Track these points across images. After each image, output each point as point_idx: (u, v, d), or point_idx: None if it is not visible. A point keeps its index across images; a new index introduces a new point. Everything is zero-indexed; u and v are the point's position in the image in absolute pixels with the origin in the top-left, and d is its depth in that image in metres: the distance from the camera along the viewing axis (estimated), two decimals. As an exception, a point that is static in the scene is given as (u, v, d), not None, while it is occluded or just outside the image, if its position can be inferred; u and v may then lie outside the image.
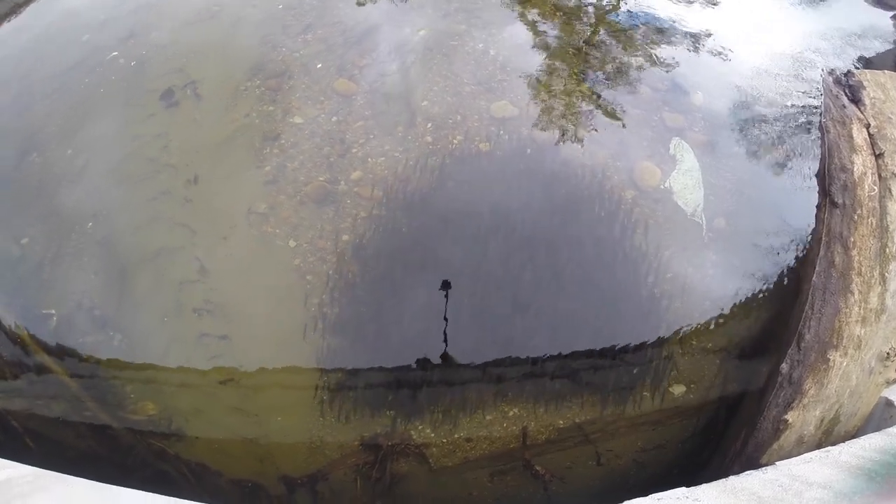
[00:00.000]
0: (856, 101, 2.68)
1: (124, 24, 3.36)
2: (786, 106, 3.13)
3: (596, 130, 2.91)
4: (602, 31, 3.40)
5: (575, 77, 3.12)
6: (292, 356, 2.47)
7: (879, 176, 2.46)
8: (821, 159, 2.74)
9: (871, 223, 2.37)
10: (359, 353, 2.48)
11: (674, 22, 3.46)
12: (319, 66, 3.12)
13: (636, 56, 3.23)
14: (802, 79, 3.26)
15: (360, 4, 3.47)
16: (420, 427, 2.41)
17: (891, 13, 3.83)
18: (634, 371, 2.47)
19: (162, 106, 2.98)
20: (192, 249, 2.62)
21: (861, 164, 2.48)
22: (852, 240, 2.35)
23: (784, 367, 2.24)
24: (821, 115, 2.87)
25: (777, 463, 2.03)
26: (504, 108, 2.94)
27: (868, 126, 2.57)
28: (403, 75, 3.08)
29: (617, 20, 3.45)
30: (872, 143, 2.55)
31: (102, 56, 3.19)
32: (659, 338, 2.49)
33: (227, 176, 2.78)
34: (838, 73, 2.83)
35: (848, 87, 2.73)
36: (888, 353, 2.30)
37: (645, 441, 2.49)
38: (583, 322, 2.52)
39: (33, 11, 3.61)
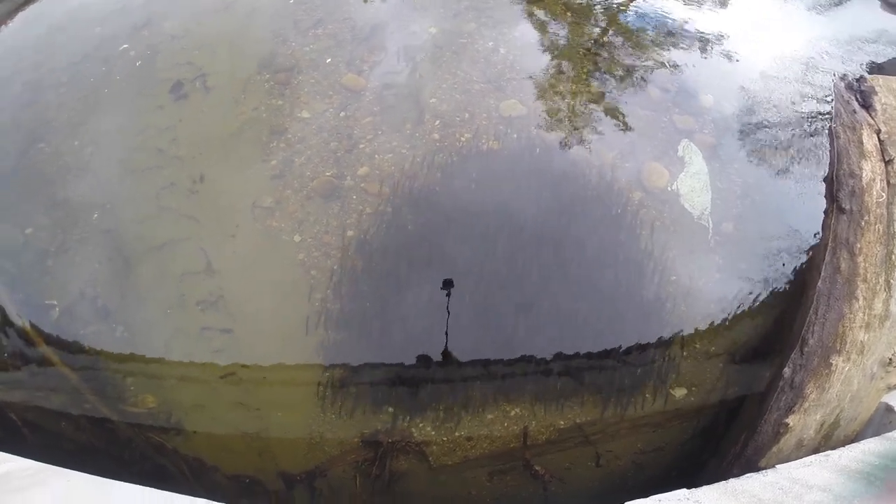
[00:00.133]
0: (867, 106, 2.71)
1: (137, 15, 3.43)
2: (795, 110, 3.17)
3: (604, 131, 2.96)
4: (612, 32, 3.45)
5: (584, 77, 3.17)
6: (295, 351, 2.52)
7: (888, 182, 2.50)
8: (829, 164, 2.77)
9: (878, 230, 2.40)
10: (362, 350, 2.52)
11: (684, 24, 3.51)
12: (329, 60, 3.18)
13: (646, 57, 3.28)
14: (812, 83, 3.31)
15: (370, 1, 3.54)
16: (421, 425, 2.45)
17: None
18: (637, 373, 2.51)
19: (171, 98, 3.04)
20: (197, 242, 2.67)
21: (870, 170, 2.52)
22: (859, 246, 2.39)
23: (786, 371, 2.28)
24: (831, 120, 2.89)
25: (777, 466, 2.07)
26: (513, 107, 2.99)
27: (878, 132, 2.60)
28: (412, 72, 3.14)
29: (627, 21, 3.50)
30: (882, 149, 2.58)
31: (113, 47, 3.25)
32: (662, 340, 2.53)
33: (234, 169, 2.83)
34: (850, 78, 2.85)
35: (859, 93, 2.76)
36: (890, 359, 2.34)
37: (645, 443, 2.53)
38: (587, 323, 2.57)
39: (47, 2, 3.68)
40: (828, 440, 2.27)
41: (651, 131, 2.97)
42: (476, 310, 2.56)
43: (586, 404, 2.48)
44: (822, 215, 2.72)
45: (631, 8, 3.58)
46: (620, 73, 3.19)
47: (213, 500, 1.92)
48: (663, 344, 2.53)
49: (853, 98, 2.74)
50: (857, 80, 2.80)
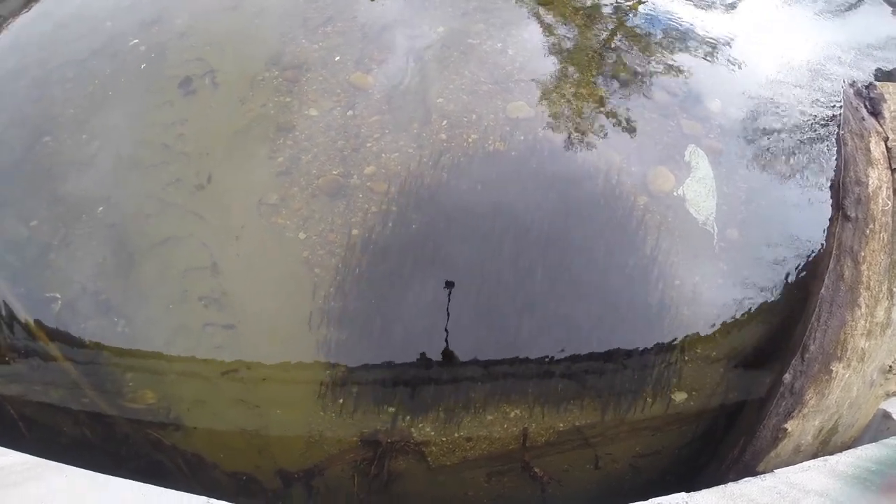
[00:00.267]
0: (875, 113, 2.75)
1: (147, 10, 3.49)
2: (802, 116, 3.21)
3: (611, 134, 3.01)
4: (621, 36, 3.49)
5: (592, 80, 3.22)
6: (297, 349, 2.55)
7: (894, 190, 2.54)
8: (836, 171, 2.82)
9: (883, 238, 2.45)
10: (364, 349, 2.56)
11: (692, 28, 3.55)
12: (337, 59, 3.24)
13: (654, 61, 3.33)
14: (820, 89, 3.35)
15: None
16: (421, 425, 2.49)
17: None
18: (638, 376, 2.56)
19: (179, 94, 3.10)
20: (201, 238, 2.72)
21: (876, 177, 2.57)
22: (863, 254, 2.44)
23: (787, 377, 2.33)
24: (839, 126, 2.94)
25: (775, 471, 2.12)
26: (520, 109, 3.04)
27: (886, 139, 2.65)
28: (420, 72, 3.20)
29: (635, 25, 3.55)
30: (890, 157, 2.63)
31: (123, 42, 3.32)
32: (664, 344, 2.57)
33: (241, 166, 2.88)
34: (859, 85, 2.90)
35: (868, 100, 2.80)
36: (891, 366, 2.38)
37: (643, 446, 2.57)
38: (589, 325, 2.61)
39: (57, -3, 3.77)
40: (825, 446, 2.32)
41: (658, 135, 3.02)
42: (479, 311, 2.60)
43: (586, 407, 2.52)
44: (827, 222, 2.77)
45: (639, 11, 3.62)
46: (628, 76, 3.24)
47: (211, 497, 1.96)
48: (665, 348, 2.57)
49: (862, 105, 2.79)
50: (867, 87, 2.86)
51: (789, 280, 2.73)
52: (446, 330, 2.56)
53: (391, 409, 2.50)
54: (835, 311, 2.38)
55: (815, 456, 2.25)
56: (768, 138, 3.09)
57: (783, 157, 3.04)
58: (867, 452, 2.14)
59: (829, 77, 3.43)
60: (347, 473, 2.48)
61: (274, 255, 2.69)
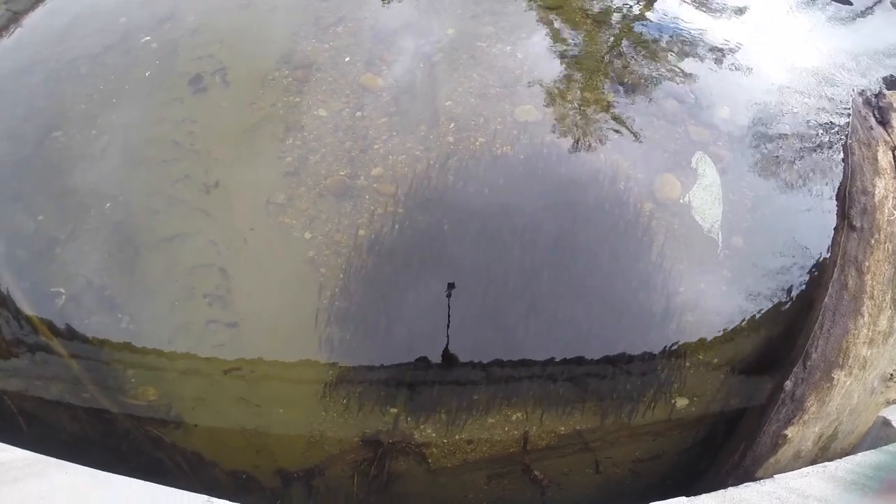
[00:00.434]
0: (884, 123, 2.80)
1: (160, 7, 3.57)
2: (809, 124, 3.26)
3: (618, 140, 3.05)
4: (630, 42, 3.54)
5: (600, 86, 3.27)
6: (300, 348, 2.60)
7: (901, 200, 2.59)
8: (842, 181, 2.87)
9: (888, 248, 2.50)
10: (367, 349, 2.61)
11: (701, 35, 3.60)
12: (347, 59, 3.30)
13: (662, 67, 3.38)
14: (828, 97, 3.40)
15: (390, 1, 3.66)
16: (422, 426, 2.54)
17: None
18: (640, 382, 2.61)
19: (190, 91, 3.16)
20: (208, 235, 2.77)
21: (883, 187, 2.61)
22: (867, 264, 2.49)
23: (788, 383, 2.38)
24: (846, 135, 2.98)
25: (775, 476, 2.17)
26: (528, 113, 3.10)
27: (894, 149, 2.69)
28: (429, 74, 3.25)
29: (644, 31, 3.60)
30: (897, 166, 2.68)
31: (136, 39, 3.39)
32: (667, 350, 2.62)
33: (249, 164, 2.94)
34: (868, 93, 2.95)
35: (877, 109, 2.85)
36: (892, 374, 2.43)
37: (643, 451, 2.63)
38: (592, 330, 2.66)
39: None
40: (825, 452, 2.37)
41: (665, 142, 3.06)
42: (483, 313, 2.66)
43: (588, 411, 2.58)
44: (832, 232, 2.81)
45: (648, 18, 3.68)
46: (636, 82, 3.29)
47: (212, 496, 2.00)
48: (667, 354, 2.62)
49: (870, 114, 2.84)
50: (876, 96, 2.90)
51: (792, 288, 2.77)
52: (450, 332, 2.61)
53: (393, 410, 2.54)
54: (838, 319, 2.43)
55: (814, 462, 2.31)
56: (775, 146, 3.14)
57: (789, 165, 3.09)
58: (866, 458, 2.20)
59: (836, 85, 3.49)
60: (347, 473, 2.53)
61: (280, 255, 2.75)
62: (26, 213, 2.85)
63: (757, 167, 3.06)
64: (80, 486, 2.01)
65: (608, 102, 3.20)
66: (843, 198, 2.74)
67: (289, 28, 3.46)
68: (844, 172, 2.87)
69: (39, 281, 2.71)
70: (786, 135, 3.19)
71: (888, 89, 3.22)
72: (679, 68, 3.39)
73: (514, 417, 2.55)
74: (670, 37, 3.57)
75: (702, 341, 2.64)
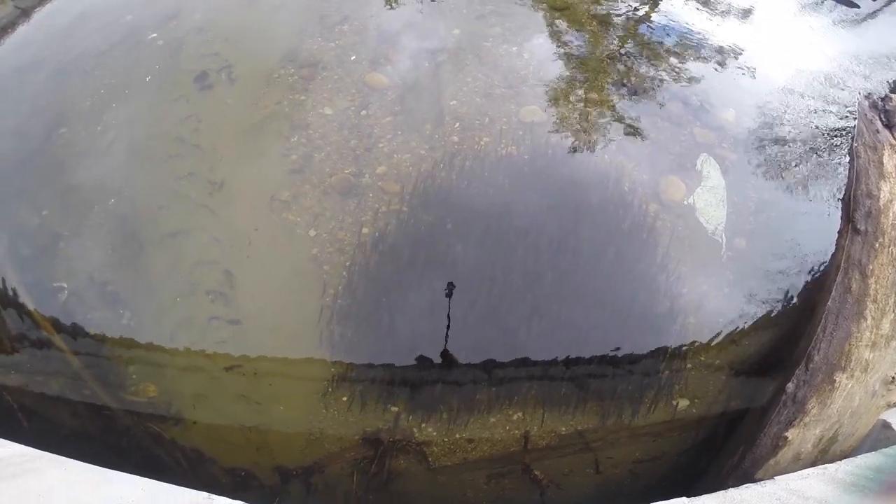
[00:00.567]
0: (890, 126, 2.81)
1: (167, 5, 3.62)
2: (815, 127, 3.29)
3: (623, 142, 3.08)
4: (635, 43, 3.58)
5: (605, 87, 3.30)
6: (302, 346, 2.63)
7: (906, 204, 2.61)
8: (847, 184, 2.88)
9: (892, 252, 2.52)
10: (369, 348, 2.64)
11: (707, 37, 3.64)
12: (353, 58, 3.34)
13: (668, 70, 3.42)
14: (833, 100, 3.43)
15: (395, 0, 3.71)
16: (423, 425, 2.57)
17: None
18: (642, 383, 2.64)
19: (195, 88, 3.21)
20: (211, 232, 2.81)
21: (888, 191, 2.63)
22: (871, 268, 2.51)
23: (790, 386, 2.40)
24: (852, 138, 3.00)
25: (775, 477, 2.19)
26: (533, 113, 3.13)
27: (900, 153, 2.72)
28: (434, 73, 3.29)
29: (650, 33, 3.64)
30: (902, 170, 2.70)
31: (142, 36, 3.44)
32: (669, 351, 2.65)
33: (254, 162, 2.98)
34: (875, 97, 2.95)
35: (884, 112, 2.85)
36: (893, 377, 2.45)
37: (643, 452, 2.65)
38: (595, 331, 2.69)
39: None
40: (824, 454, 2.39)
41: (671, 144, 3.10)
42: (486, 313, 2.68)
43: (589, 411, 2.60)
44: (836, 235, 2.83)
45: (654, 20, 3.72)
46: (642, 84, 3.33)
47: (212, 493, 2.01)
48: (669, 355, 2.65)
49: (877, 117, 2.85)
50: (882, 100, 2.91)
51: (795, 291, 2.80)
52: (453, 331, 2.64)
53: (394, 409, 2.57)
54: (841, 322, 2.45)
55: (814, 464, 2.33)
56: (780, 148, 3.17)
57: (794, 168, 3.13)
58: (866, 461, 2.22)
59: (842, 88, 3.52)
60: (347, 471, 2.55)
61: (283, 252, 2.78)
62: (30, 208, 2.89)
63: (761, 169, 3.09)
64: (78, 482, 2.02)
65: (613, 104, 3.23)
66: (848, 201, 2.76)
67: (294, 26, 3.50)
68: (849, 176, 2.88)
69: (42, 276, 2.75)
70: (791, 138, 3.22)
71: (894, 93, 3.23)
72: (685, 70, 3.42)
73: (515, 417, 2.58)
74: (676, 39, 3.60)
75: (704, 343, 2.67)
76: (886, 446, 2.32)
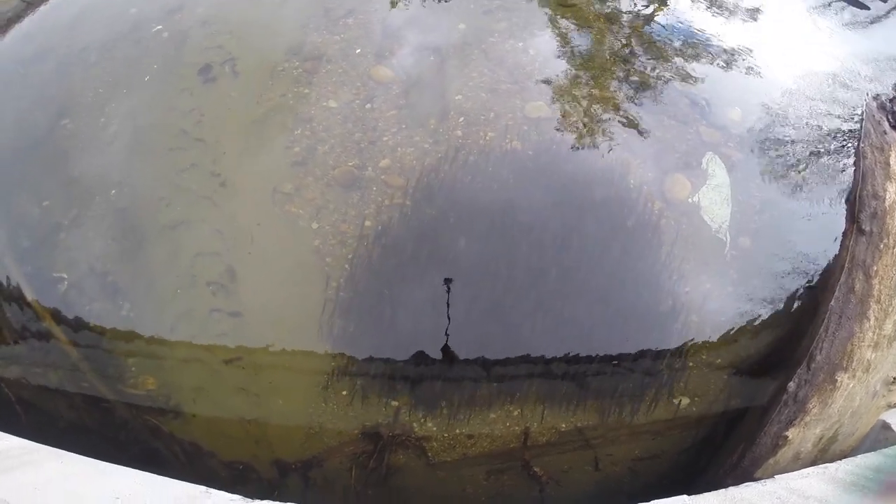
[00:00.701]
0: (898, 127, 2.84)
1: (171, -3, 3.66)
2: (821, 128, 3.29)
3: (629, 139, 3.09)
4: (643, 41, 3.59)
5: (612, 84, 3.31)
6: (303, 339, 2.65)
7: (911, 205, 2.63)
8: (853, 184, 2.90)
9: (896, 254, 2.55)
10: (370, 341, 2.66)
11: (714, 36, 3.63)
12: (358, 51, 3.35)
13: (675, 68, 3.42)
14: (840, 101, 3.43)
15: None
16: (423, 420, 2.59)
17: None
18: (643, 380, 2.65)
19: (199, 81, 3.23)
20: (213, 224, 2.83)
21: (894, 192, 2.66)
22: (875, 269, 2.54)
23: (791, 385, 2.43)
24: (859, 139, 3.01)
25: (776, 476, 2.22)
26: (539, 109, 3.14)
27: (907, 154, 2.74)
28: (439, 68, 3.30)
29: (657, 31, 3.65)
30: (910, 171, 2.72)
31: (147, 29, 3.47)
32: (670, 349, 2.67)
33: (257, 154, 3.00)
34: (883, 98, 2.99)
35: (892, 113, 2.88)
36: (894, 378, 2.47)
37: (643, 450, 2.68)
38: (596, 328, 2.71)
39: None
40: (824, 454, 2.42)
41: (676, 142, 3.10)
42: (488, 308, 2.70)
43: (589, 408, 2.63)
44: (841, 235, 2.84)
45: (661, 18, 3.73)
46: (648, 82, 3.34)
47: (210, 487, 2.05)
48: (671, 353, 2.67)
49: (885, 118, 2.88)
50: (891, 101, 2.94)
51: (798, 291, 2.81)
52: (455, 326, 2.65)
53: (395, 403, 2.60)
54: (843, 322, 2.48)
55: (813, 463, 2.35)
56: (786, 148, 3.18)
57: (799, 168, 3.13)
58: (866, 460, 2.25)
59: (849, 89, 3.52)
60: (346, 466, 2.58)
61: (286, 244, 2.81)
62: (31, 198, 2.93)
63: (767, 169, 3.09)
64: (75, 475, 2.04)
65: (619, 101, 3.24)
66: (854, 201, 2.78)
67: (298, 19, 3.52)
68: (855, 176, 2.91)
69: (42, 266, 2.78)
70: (796, 138, 3.23)
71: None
72: (692, 69, 3.43)
73: (515, 413, 2.60)
74: (683, 37, 3.61)
75: (706, 341, 2.68)
76: (885, 447, 2.35)
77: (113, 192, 2.91)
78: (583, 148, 3.05)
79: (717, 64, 3.51)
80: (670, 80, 3.36)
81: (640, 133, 3.12)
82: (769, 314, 2.76)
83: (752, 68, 3.53)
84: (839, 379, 2.39)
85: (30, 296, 2.72)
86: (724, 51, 3.59)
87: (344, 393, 2.58)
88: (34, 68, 3.41)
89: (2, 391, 2.64)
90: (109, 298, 2.71)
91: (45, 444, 2.17)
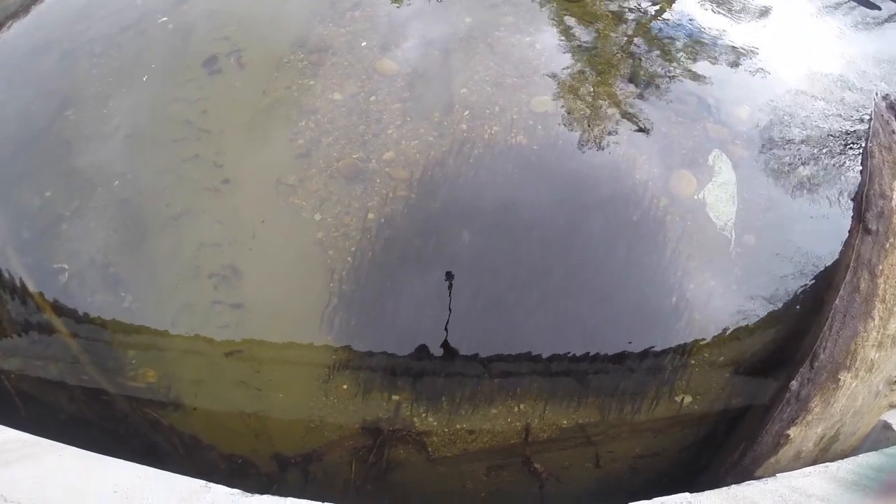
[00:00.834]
0: (906, 127, 2.84)
1: (178, -11, 3.67)
2: (828, 127, 3.31)
3: (635, 135, 3.10)
4: (650, 38, 3.59)
5: (618, 81, 3.33)
6: (304, 332, 2.66)
7: (918, 205, 2.64)
8: (860, 184, 2.91)
9: (903, 253, 2.55)
10: (372, 335, 2.67)
11: (722, 35, 3.65)
12: (364, 44, 3.37)
13: (682, 65, 3.44)
14: (847, 101, 3.44)
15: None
16: (424, 415, 2.60)
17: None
18: (645, 378, 2.67)
19: (204, 72, 3.25)
20: (215, 215, 2.85)
21: (901, 192, 2.66)
22: (880, 268, 2.55)
23: (794, 384, 2.44)
24: (866, 139, 3.02)
25: (777, 475, 2.23)
26: (544, 104, 3.15)
27: (915, 154, 2.74)
28: (445, 61, 3.32)
29: (664, 29, 3.65)
30: (917, 171, 2.72)
31: (152, 20, 3.49)
32: (673, 347, 2.68)
33: (261, 145, 3.02)
34: (892, 97, 3.00)
35: (900, 114, 2.90)
36: (898, 378, 2.49)
37: (643, 447, 2.69)
38: (599, 325, 2.72)
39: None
40: (825, 453, 2.43)
41: (683, 139, 3.12)
42: (490, 303, 2.71)
43: (591, 405, 2.64)
44: (847, 234, 2.86)
45: (668, 16, 3.74)
46: (655, 78, 3.35)
47: (210, 481, 2.06)
48: (674, 351, 2.68)
49: (893, 118, 2.89)
50: (900, 101, 2.95)
51: (803, 289, 2.82)
52: (457, 321, 2.66)
53: (396, 398, 2.61)
54: (848, 321, 2.49)
55: (814, 462, 2.37)
56: (793, 147, 3.19)
57: (806, 167, 3.14)
58: (867, 460, 2.27)
59: (857, 89, 3.53)
60: (345, 460, 2.59)
61: (288, 236, 2.82)
62: (33, 189, 2.94)
63: (773, 167, 3.10)
64: (74, 468, 2.05)
65: (626, 97, 3.25)
66: (860, 201, 2.79)
67: (304, 12, 3.54)
68: (862, 175, 2.92)
69: (43, 257, 2.79)
70: (804, 136, 3.24)
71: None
72: (699, 67, 3.44)
73: (516, 409, 2.61)
74: (690, 35, 3.62)
75: (708, 339, 2.70)
76: (887, 446, 2.36)
77: (116, 182, 2.92)
78: (588, 143, 3.05)
79: (725, 62, 3.52)
80: (677, 76, 3.37)
81: (647, 130, 3.12)
82: (772, 312, 2.77)
83: (761, 67, 3.54)
84: (842, 378, 2.40)
85: (31, 286, 2.73)
86: (733, 49, 3.60)
87: (345, 387, 2.59)
88: (39, 59, 3.42)
89: (1, 383, 2.65)
90: (111, 290, 2.71)
91: (45, 437, 2.18)
